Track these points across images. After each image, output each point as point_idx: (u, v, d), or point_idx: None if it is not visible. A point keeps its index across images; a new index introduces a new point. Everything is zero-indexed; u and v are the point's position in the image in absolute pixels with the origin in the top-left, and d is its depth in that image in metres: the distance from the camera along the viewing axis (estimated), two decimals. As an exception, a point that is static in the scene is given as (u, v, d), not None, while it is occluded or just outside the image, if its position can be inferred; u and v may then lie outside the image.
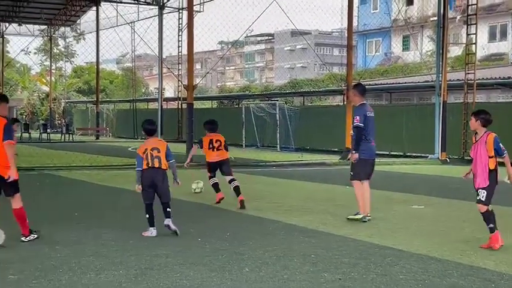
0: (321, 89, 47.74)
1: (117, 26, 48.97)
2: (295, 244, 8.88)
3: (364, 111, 11.00)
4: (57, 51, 73.90)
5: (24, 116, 68.15)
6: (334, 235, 9.64)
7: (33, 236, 8.98)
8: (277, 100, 38.57)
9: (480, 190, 8.67)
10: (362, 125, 10.88)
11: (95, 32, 49.99)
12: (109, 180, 18.03)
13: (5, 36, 57.92)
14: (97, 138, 51.55)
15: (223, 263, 7.65)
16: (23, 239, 8.89)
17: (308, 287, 6.64)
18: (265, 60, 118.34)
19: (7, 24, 55.45)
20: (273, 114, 36.11)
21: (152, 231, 9.52)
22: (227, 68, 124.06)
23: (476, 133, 8.87)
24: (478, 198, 8.70)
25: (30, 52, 71.09)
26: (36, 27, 58.90)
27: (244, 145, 37.38)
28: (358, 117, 10.94)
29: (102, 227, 10.07)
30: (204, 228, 10.13)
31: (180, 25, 43.40)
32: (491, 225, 8.68)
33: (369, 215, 11.01)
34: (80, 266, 7.40)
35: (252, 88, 68.82)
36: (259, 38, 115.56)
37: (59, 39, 71.49)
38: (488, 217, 8.69)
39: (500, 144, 8.65)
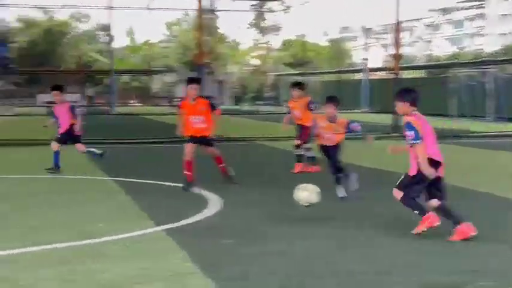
0: (538, 55, 44.94)
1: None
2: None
3: None
4: (266, 25, 75.94)
5: (235, 90, 70.92)
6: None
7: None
8: (488, 68, 36.87)
9: None
10: None
11: (301, 5, 50.62)
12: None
13: (215, 12, 60.42)
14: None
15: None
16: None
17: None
18: (475, 27, 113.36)
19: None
20: (483, 83, 34.60)
21: None
22: (434, 36, 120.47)
23: None
24: None
25: (240, 27, 73.77)
26: (248, 2, 60.91)
27: (452, 115, 36.21)
28: None
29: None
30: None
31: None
32: None
33: None
34: (287, 233, 7.64)
35: (461, 56, 66.38)
36: (469, 4, 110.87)
37: (268, 13, 73.43)
38: None
39: None
